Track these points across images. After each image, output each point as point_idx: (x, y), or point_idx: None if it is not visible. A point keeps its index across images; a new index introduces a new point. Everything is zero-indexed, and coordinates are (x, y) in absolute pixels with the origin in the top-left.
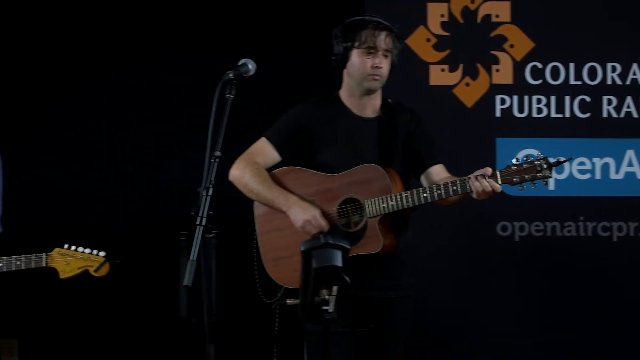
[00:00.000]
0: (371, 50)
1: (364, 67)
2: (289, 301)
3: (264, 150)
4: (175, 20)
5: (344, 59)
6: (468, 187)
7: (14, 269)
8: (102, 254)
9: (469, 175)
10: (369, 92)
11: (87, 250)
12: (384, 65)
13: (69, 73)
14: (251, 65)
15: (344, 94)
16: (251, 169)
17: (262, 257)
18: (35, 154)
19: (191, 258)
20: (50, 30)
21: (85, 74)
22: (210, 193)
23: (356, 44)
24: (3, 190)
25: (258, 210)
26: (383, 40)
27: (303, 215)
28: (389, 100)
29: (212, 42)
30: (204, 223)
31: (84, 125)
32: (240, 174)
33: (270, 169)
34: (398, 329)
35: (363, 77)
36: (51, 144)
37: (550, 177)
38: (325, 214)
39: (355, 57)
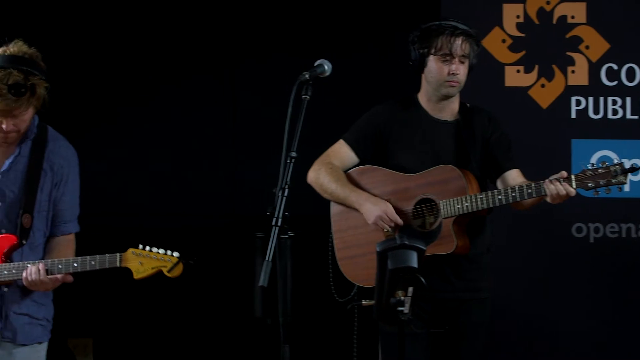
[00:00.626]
0: (447, 56)
1: (441, 73)
2: (364, 302)
3: (342, 152)
4: (252, 21)
5: (421, 65)
6: (543, 191)
7: (88, 269)
8: (175, 254)
9: (545, 180)
10: (446, 97)
11: (161, 251)
12: (461, 71)
13: (148, 75)
14: (327, 66)
15: (422, 97)
16: (326, 169)
17: (337, 254)
18: (110, 154)
19: (267, 258)
20: (129, 33)
21: (163, 76)
22: (286, 194)
23: (432, 50)
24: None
25: (334, 208)
26: (459, 46)
27: (375, 210)
28: (467, 105)
29: (288, 43)
30: (279, 224)
31: (160, 126)
32: (316, 175)
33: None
34: (474, 331)
35: (440, 84)
36: (126, 144)
37: (625, 183)
38: (400, 213)
39: (432, 64)
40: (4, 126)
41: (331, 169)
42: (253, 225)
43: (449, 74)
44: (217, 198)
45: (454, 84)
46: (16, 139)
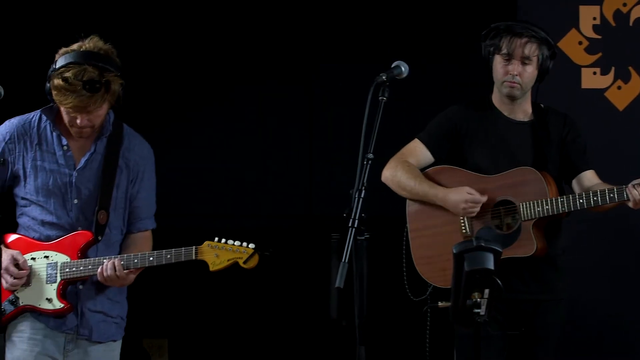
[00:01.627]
0: (507, 57)
1: (501, 73)
2: (440, 304)
3: (417, 151)
4: (329, 24)
5: (489, 63)
6: (625, 195)
7: (164, 262)
8: (251, 245)
9: (627, 184)
10: (510, 98)
11: (237, 243)
12: (522, 72)
13: (227, 76)
14: (404, 68)
15: (495, 97)
16: (403, 167)
17: (412, 254)
18: (187, 154)
19: (343, 260)
20: (210, 35)
21: (242, 78)
22: (362, 195)
23: (496, 49)
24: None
25: (410, 207)
26: (521, 47)
27: (459, 199)
28: (542, 105)
29: (366, 45)
30: (356, 225)
31: (238, 127)
32: (392, 173)
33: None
34: (549, 333)
35: (500, 84)
36: (203, 144)
37: None
38: (479, 214)
39: (496, 63)
40: (78, 121)
41: (408, 167)
42: (329, 227)
43: (506, 74)
44: (294, 199)
45: (512, 84)
46: (90, 134)
